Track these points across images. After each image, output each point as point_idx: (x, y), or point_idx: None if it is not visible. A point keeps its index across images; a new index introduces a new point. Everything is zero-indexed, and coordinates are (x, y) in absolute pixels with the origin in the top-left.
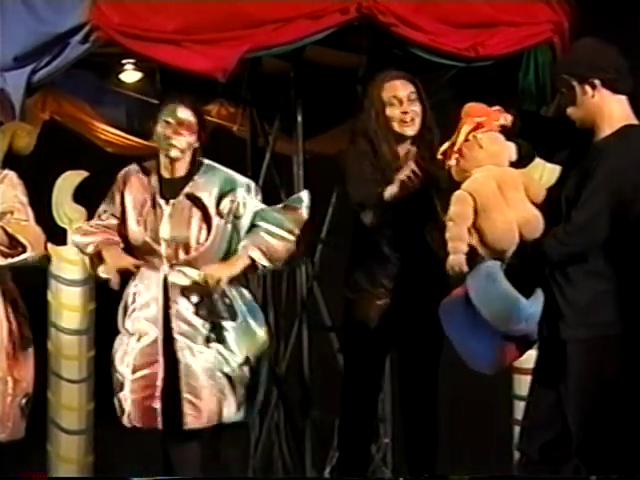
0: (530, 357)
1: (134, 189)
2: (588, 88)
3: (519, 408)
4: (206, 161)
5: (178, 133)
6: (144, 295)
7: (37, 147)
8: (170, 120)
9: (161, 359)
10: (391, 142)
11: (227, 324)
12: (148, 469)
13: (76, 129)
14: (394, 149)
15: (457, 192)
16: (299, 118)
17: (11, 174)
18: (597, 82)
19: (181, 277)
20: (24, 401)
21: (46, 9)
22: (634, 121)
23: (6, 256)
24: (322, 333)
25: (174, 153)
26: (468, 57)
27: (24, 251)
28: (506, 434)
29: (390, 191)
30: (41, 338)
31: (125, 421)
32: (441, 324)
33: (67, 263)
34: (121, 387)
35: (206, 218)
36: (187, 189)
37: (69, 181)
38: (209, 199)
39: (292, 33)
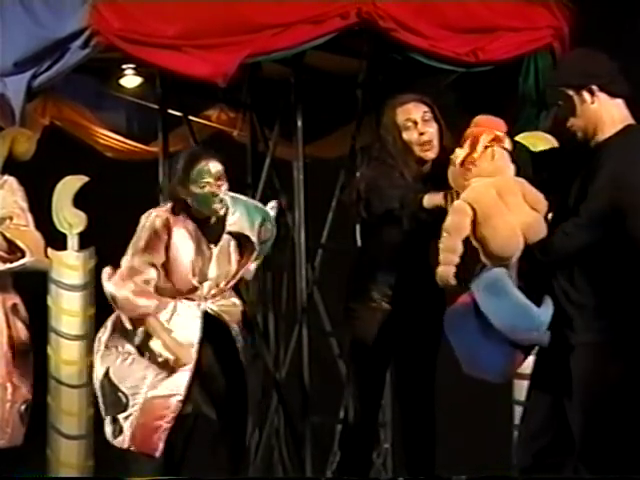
0: (531, 362)
1: (181, 239)
2: (586, 95)
3: (519, 413)
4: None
5: (219, 187)
6: (181, 326)
7: (37, 152)
8: (210, 180)
9: (184, 389)
10: (412, 166)
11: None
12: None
13: (76, 134)
14: (416, 173)
15: (456, 202)
16: (299, 123)
17: (11, 180)
18: (595, 88)
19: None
20: (23, 407)
21: (46, 14)
22: (633, 122)
23: (5, 261)
24: (322, 338)
25: (222, 209)
26: (468, 62)
27: (23, 256)
28: (506, 439)
29: (432, 199)
30: (41, 343)
31: (122, 443)
32: (445, 333)
33: (67, 268)
34: (124, 407)
35: (245, 250)
36: (229, 228)
37: (69, 186)
38: (252, 233)
39: (292, 38)
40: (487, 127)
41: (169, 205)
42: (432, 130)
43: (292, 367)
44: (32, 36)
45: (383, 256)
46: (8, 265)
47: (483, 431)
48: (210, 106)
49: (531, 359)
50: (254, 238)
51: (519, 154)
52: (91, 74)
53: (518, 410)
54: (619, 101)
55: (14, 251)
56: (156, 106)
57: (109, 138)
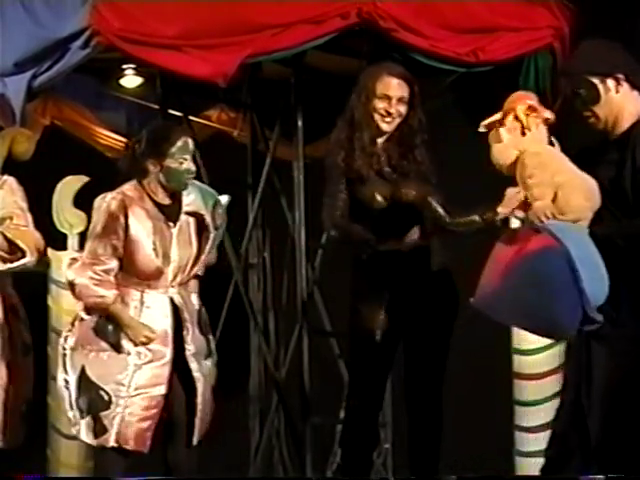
0: (530, 362)
1: (140, 218)
2: (612, 84)
3: (519, 414)
4: None
5: (194, 162)
6: (151, 318)
7: (37, 152)
8: (187, 156)
9: (166, 381)
10: (372, 130)
11: (210, 337)
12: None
13: (76, 134)
14: (373, 137)
15: (526, 153)
16: (299, 123)
17: (11, 180)
18: (621, 76)
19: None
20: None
21: (47, 14)
22: None
23: (5, 261)
24: (322, 338)
25: (191, 182)
26: (468, 62)
27: (23, 256)
28: (507, 440)
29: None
30: (41, 343)
31: (106, 442)
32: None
33: None
34: (107, 405)
35: (203, 233)
36: (186, 207)
37: (69, 186)
38: (207, 214)
39: (292, 38)
40: (518, 99)
41: (124, 187)
42: (402, 110)
43: (292, 367)
44: (32, 36)
45: (385, 252)
46: (8, 265)
47: (483, 431)
48: (210, 106)
49: (533, 359)
50: (209, 219)
51: None
52: (91, 74)
53: (518, 411)
54: (637, 94)
55: (14, 251)
56: (156, 106)
57: (109, 138)
